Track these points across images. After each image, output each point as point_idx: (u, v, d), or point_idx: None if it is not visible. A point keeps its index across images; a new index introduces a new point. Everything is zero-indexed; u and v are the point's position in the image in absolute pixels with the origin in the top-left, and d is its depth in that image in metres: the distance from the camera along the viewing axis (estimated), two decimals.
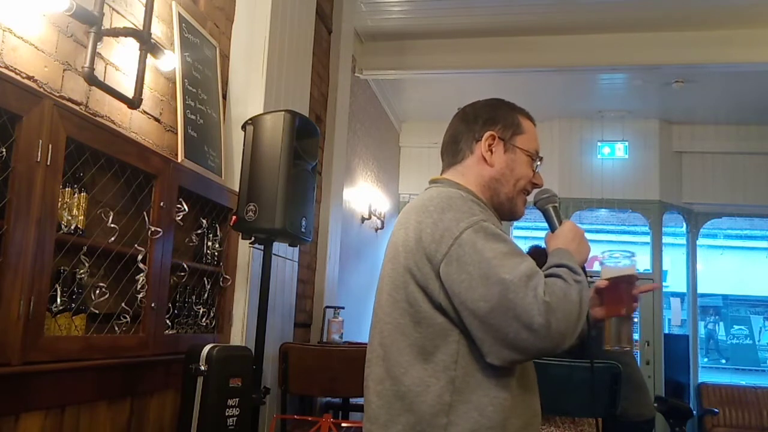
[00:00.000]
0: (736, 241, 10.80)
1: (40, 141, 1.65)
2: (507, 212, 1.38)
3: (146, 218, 2.17)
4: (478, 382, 1.15)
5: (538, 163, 1.38)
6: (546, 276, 1.15)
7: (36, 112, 1.65)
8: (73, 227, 1.87)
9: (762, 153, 6.89)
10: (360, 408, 4.03)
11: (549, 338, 1.07)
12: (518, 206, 1.38)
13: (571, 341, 1.11)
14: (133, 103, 2.19)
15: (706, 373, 8.52)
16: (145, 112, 2.37)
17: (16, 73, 1.75)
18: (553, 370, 2.36)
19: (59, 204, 1.76)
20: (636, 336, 6.81)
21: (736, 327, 12.13)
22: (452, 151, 1.39)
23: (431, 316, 1.17)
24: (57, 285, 1.81)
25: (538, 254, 1.27)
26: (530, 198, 1.44)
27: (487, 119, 1.37)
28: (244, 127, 2.46)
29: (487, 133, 1.34)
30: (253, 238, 2.48)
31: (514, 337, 1.08)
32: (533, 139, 1.39)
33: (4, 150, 1.59)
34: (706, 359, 11.22)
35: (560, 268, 1.18)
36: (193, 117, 2.60)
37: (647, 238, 6.98)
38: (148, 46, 2.23)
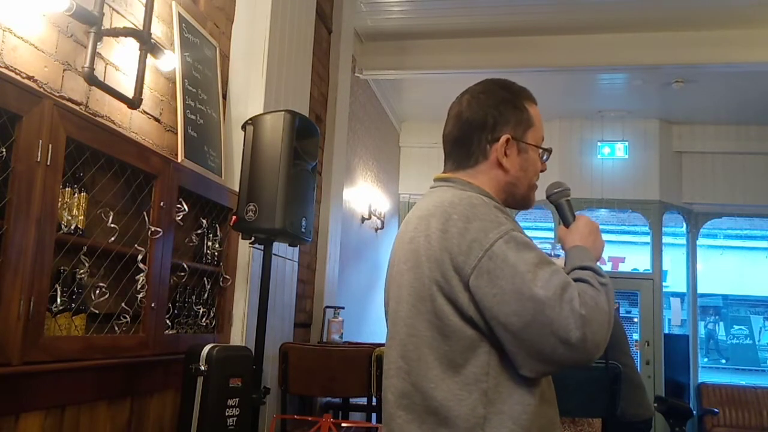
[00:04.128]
0: (736, 241, 10.79)
1: (40, 141, 1.65)
2: (520, 206, 1.35)
3: (146, 218, 2.17)
4: (509, 391, 1.13)
5: (547, 155, 1.33)
6: (574, 280, 1.12)
7: (36, 112, 1.65)
8: (73, 227, 1.87)
9: (762, 153, 6.89)
10: (360, 408, 4.03)
11: (585, 351, 1.05)
12: (531, 199, 1.35)
13: (603, 350, 1.09)
14: (133, 103, 2.19)
15: (706, 373, 8.52)
16: (145, 112, 2.37)
17: (16, 73, 1.75)
18: None
19: (59, 204, 1.76)
20: (636, 336, 6.82)
21: (736, 327, 12.12)
22: (461, 155, 1.31)
23: (461, 329, 1.13)
24: (57, 285, 1.81)
25: None
26: (541, 189, 1.39)
27: (497, 119, 1.28)
28: (244, 127, 2.46)
29: (504, 137, 1.26)
30: (253, 238, 2.48)
31: (550, 352, 1.06)
32: (540, 126, 1.32)
33: (4, 150, 1.59)
34: (706, 359, 11.21)
35: (585, 271, 1.15)
36: (193, 117, 2.60)
37: (647, 238, 6.98)
38: (148, 46, 2.23)
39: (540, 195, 1.37)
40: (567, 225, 1.34)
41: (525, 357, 1.09)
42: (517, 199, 1.32)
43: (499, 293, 1.08)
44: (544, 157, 1.33)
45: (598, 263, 1.24)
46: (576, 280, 1.13)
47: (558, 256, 1.42)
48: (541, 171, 1.34)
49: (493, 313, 1.09)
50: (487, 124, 1.28)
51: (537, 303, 1.06)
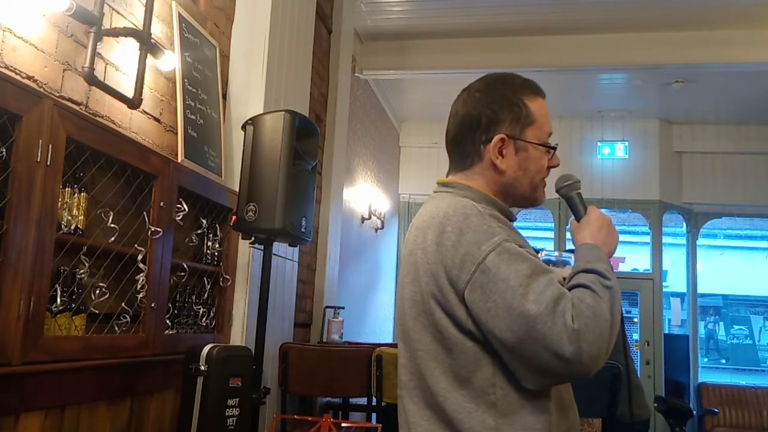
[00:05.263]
0: (736, 241, 10.80)
1: (40, 141, 1.65)
2: (527, 204, 1.32)
3: (146, 218, 2.17)
4: (521, 402, 1.11)
5: (553, 152, 1.30)
6: (574, 286, 1.10)
7: (36, 112, 1.65)
8: (73, 227, 1.87)
9: (762, 153, 6.89)
10: (360, 408, 4.03)
11: (581, 364, 1.03)
12: (538, 197, 1.31)
13: (605, 360, 1.07)
14: (133, 103, 2.19)
15: (706, 373, 8.53)
16: (145, 112, 2.37)
17: (16, 73, 1.75)
18: None
19: (59, 204, 1.76)
20: (636, 336, 6.82)
21: (736, 327, 12.13)
22: (458, 156, 1.28)
23: (461, 342, 1.13)
24: (57, 285, 1.81)
25: None
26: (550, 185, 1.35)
27: (491, 118, 1.23)
28: (244, 127, 2.47)
29: (497, 138, 1.22)
30: (253, 238, 2.48)
31: (546, 366, 1.05)
32: (545, 121, 1.28)
33: (4, 150, 1.59)
34: (706, 359, 11.22)
35: (589, 274, 1.13)
36: (193, 117, 2.60)
37: (647, 238, 6.98)
38: (148, 46, 2.23)
39: (548, 194, 1.34)
40: (578, 219, 1.30)
41: (524, 371, 1.08)
42: (518, 199, 1.28)
43: (492, 308, 1.07)
44: (551, 153, 1.29)
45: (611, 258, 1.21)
46: (577, 285, 1.11)
47: (567, 264, 1.38)
48: (552, 167, 1.30)
49: (488, 327, 1.08)
50: (480, 123, 1.24)
51: (529, 318, 1.04)
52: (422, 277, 1.16)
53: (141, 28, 2.24)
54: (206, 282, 2.66)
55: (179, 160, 2.44)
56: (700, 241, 7.45)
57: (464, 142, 1.27)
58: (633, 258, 8.53)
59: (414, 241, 1.21)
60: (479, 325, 1.10)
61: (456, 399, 1.13)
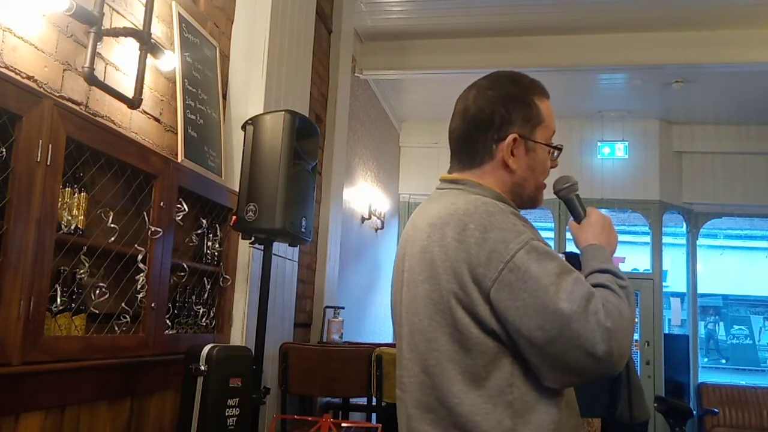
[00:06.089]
0: (736, 241, 10.81)
1: (40, 141, 1.65)
2: (527, 206, 1.31)
3: (146, 218, 2.17)
4: (535, 401, 1.11)
5: (557, 153, 1.30)
6: (594, 285, 1.10)
7: (36, 112, 1.65)
8: (73, 227, 1.87)
9: (762, 153, 6.89)
10: (360, 408, 4.03)
11: (611, 362, 1.04)
12: (539, 199, 1.32)
13: (627, 358, 1.09)
14: (133, 103, 2.19)
15: (706, 373, 8.53)
16: (145, 112, 2.37)
17: (16, 73, 1.75)
18: None
19: (59, 204, 1.76)
20: (636, 336, 6.82)
21: (736, 327, 12.15)
22: (466, 154, 1.26)
23: (482, 342, 1.11)
24: (57, 285, 1.81)
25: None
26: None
27: (504, 117, 1.23)
28: (244, 127, 2.47)
29: (510, 137, 1.22)
30: (253, 238, 2.48)
31: (575, 365, 1.05)
32: (551, 122, 1.29)
33: (4, 150, 1.59)
34: (706, 359, 11.23)
35: (604, 274, 1.14)
36: (193, 117, 2.60)
37: (647, 238, 6.98)
38: (148, 46, 2.23)
39: (547, 194, 1.34)
40: (578, 220, 1.30)
41: (549, 370, 1.08)
42: (524, 200, 1.28)
43: (521, 306, 1.06)
44: (555, 154, 1.30)
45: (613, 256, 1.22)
46: (596, 285, 1.11)
47: None
48: (552, 167, 1.30)
49: (516, 326, 1.07)
50: (493, 122, 1.23)
51: (562, 317, 1.03)
52: (441, 275, 1.13)
53: (141, 28, 2.24)
54: (206, 282, 2.66)
55: (179, 160, 2.44)
56: (700, 241, 7.45)
57: (475, 141, 1.25)
58: (633, 258, 8.53)
59: (428, 238, 1.17)
60: (505, 324, 1.08)
61: (472, 400, 1.11)
